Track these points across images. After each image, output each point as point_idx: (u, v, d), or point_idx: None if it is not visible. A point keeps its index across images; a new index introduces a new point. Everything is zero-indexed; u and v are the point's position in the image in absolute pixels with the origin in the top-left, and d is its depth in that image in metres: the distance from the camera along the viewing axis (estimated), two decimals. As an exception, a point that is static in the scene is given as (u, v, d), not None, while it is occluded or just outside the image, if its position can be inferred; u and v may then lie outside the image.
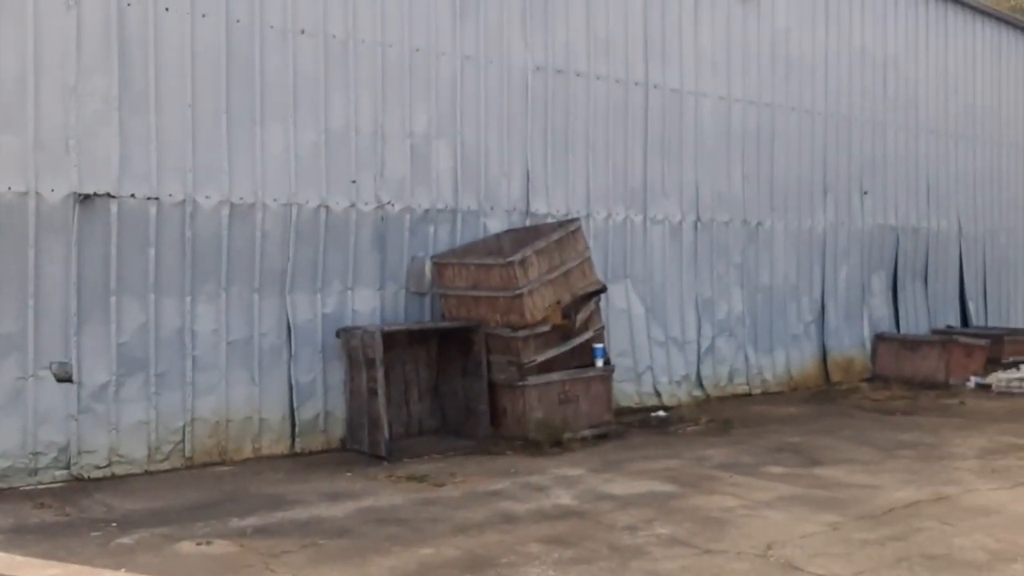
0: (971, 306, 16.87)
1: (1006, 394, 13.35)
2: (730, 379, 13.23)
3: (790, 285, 14.14)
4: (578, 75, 11.67)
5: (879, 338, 15.02)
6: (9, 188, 7.99)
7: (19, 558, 6.06)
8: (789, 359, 14.03)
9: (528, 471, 8.55)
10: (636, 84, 12.26)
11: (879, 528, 6.64)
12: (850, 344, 14.91)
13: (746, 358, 13.46)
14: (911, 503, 7.33)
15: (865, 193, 15.18)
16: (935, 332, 15.58)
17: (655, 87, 12.45)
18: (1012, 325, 17.31)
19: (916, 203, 16.05)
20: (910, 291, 15.97)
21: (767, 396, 13.35)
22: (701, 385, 12.84)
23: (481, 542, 6.39)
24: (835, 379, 14.44)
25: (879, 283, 15.50)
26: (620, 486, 7.97)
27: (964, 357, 14.24)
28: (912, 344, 14.70)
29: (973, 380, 13.98)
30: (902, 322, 15.71)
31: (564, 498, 7.61)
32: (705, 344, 12.96)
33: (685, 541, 6.38)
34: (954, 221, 16.69)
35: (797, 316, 14.22)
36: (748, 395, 13.31)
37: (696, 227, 12.96)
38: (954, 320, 16.58)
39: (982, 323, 16.96)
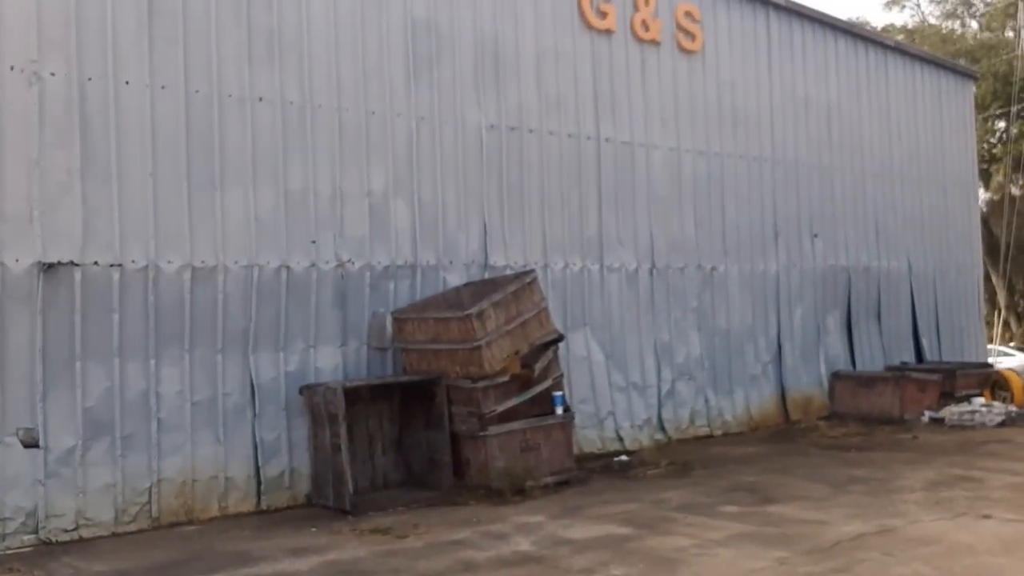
0: (924, 342, 17.34)
1: (958, 427, 13.73)
2: (691, 421, 13.53)
3: (746, 327, 14.52)
4: (531, 131, 12.10)
5: (836, 376, 15.41)
6: (-26, 259, 8.21)
7: (-15, 624, 6.18)
8: (748, 399, 14.36)
9: (490, 520, 8.74)
10: (588, 138, 12.70)
11: (824, 561, 6.90)
12: (808, 383, 15.27)
13: (706, 400, 13.77)
14: (857, 536, 7.60)
15: (815, 236, 15.67)
16: (890, 368, 15.98)
17: (607, 140, 12.90)
18: (966, 359, 17.78)
19: (866, 244, 16.56)
20: (864, 329, 16.41)
21: (728, 437, 13.63)
22: (663, 428, 13.11)
23: (441, 590, 6.58)
24: (794, 417, 14.77)
25: (834, 322, 15.92)
26: (578, 531, 8.19)
27: (918, 392, 14.63)
28: (867, 381, 15.09)
29: (927, 415, 14.35)
30: (858, 359, 16.12)
31: (523, 544, 7.81)
32: (665, 388, 13.27)
33: (637, 581, 6.60)
34: (904, 260, 17.22)
35: (755, 357, 14.58)
36: (709, 436, 13.59)
37: (652, 274, 13.34)
38: (909, 356, 17.02)
39: (936, 358, 17.41)
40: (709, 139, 14.21)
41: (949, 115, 18.58)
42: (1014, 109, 26.96)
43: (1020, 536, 7.39)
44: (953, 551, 7.04)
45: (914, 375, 14.93)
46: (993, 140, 34.17)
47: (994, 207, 33.05)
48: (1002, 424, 13.64)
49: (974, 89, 20.18)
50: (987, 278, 26.88)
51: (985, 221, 30.86)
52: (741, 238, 14.55)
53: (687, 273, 13.78)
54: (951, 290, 18.23)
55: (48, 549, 8.18)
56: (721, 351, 14.11)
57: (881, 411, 14.53)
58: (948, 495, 9.05)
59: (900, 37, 33.93)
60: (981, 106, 30.83)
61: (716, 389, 13.96)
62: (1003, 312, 31.37)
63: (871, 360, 16.33)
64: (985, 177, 32.49)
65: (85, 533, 8.53)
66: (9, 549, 8.12)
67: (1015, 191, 32.23)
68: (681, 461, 11.35)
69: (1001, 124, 33.52)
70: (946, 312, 18.02)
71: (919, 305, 17.39)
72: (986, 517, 8.08)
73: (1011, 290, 32.71)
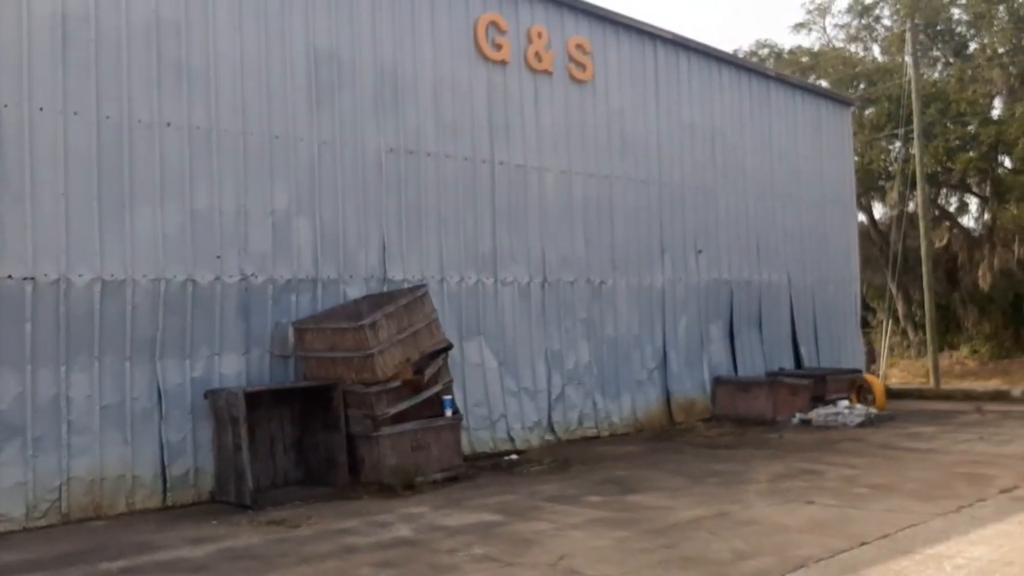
0: (803, 350, 18.74)
1: (823, 427, 15.06)
2: (579, 423, 14.59)
3: (633, 336, 15.66)
4: (428, 155, 13.04)
5: (717, 381, 16.65)
6: None
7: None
8: (635, 403, 15.49)
9: (378, 511, 9.62)
10: (483, 161, 13.70)
11: (657, 539, 7.95)
12: (692, 387, 16.49)
13: (594, 404, 14.85)
14: (694, 519, 8.69)
15: (700, 252, 16.91)
16: (769, 374, 17.30)
17: (500, 163, 13.91)
18: (843, 366, 19.23)
19: (748, 259, 17.89)
20: (746, 338, 17.72)
21: (614, 437, 14.73)
22: (552, 430, 14.14)
23: (319, 569, 7.44)
24: (678, 420, 15.96)
25: (717, 331, 17.18)
26: (455, 519, 9.12)
27: (790, 396, 15.94)
28: (745, 386, 16.36)
29: (797, 416, 15.66)
30: (739, 366, 17.41)
31: (403, 531, 8.70)
32: (555, 392, 14.31)
33: (494, 558, 7.56)
34: (784, 274, 18.61)
35: (641, 364, 15.73)
36: (597, 437, 14.66)
37: (543, 287, 14.38)
38: (788, 363, 18.39)
39: (815, 364, 18.83)
40: (599, 162, 15.33)
41: (828, 139, 20.10)
42: (902, 130, 28.73)
43: (831, 518, 8.56)
44: (770, 530, 8.16)
45: (787, 380, 16.25)
46: (888, 159, 36.22)
47: (892, 222, 35.05)
48: (861, 425, 15.01)
49: (851, 115, 21.73)
50: (887, 289, 28.69)
51: (884, 235, 32.75)
52: (629, 254, 15.70)
53: (577, 286, 14.86)
54: (829, 302, 19.70)
55: (-40, 543, 8.79)
56: (609, 358, 15.21)
57: (757, 413, 15.79)
58: (787, 485, 10.23)
59: (805, 59, 35.80)
60: (876, 127, 32.79)
61: (604, 393, 15.04)
62: (902, 322, 33.22)
63: (752, 366, 17.64)
64: (882, 193, 34.50)
65: (-3, 528, 9.16)
66: (-78, 544, 8.71)
67: (912, 207, 34.29)
68: (563, 459, 12.38)
69: (897, 144, 35.60)
70: (824, 322, 19.48)
71: (798, 316, 18.80)
72: (810, 503, 9.25)
73: (908, 300, 34.65)
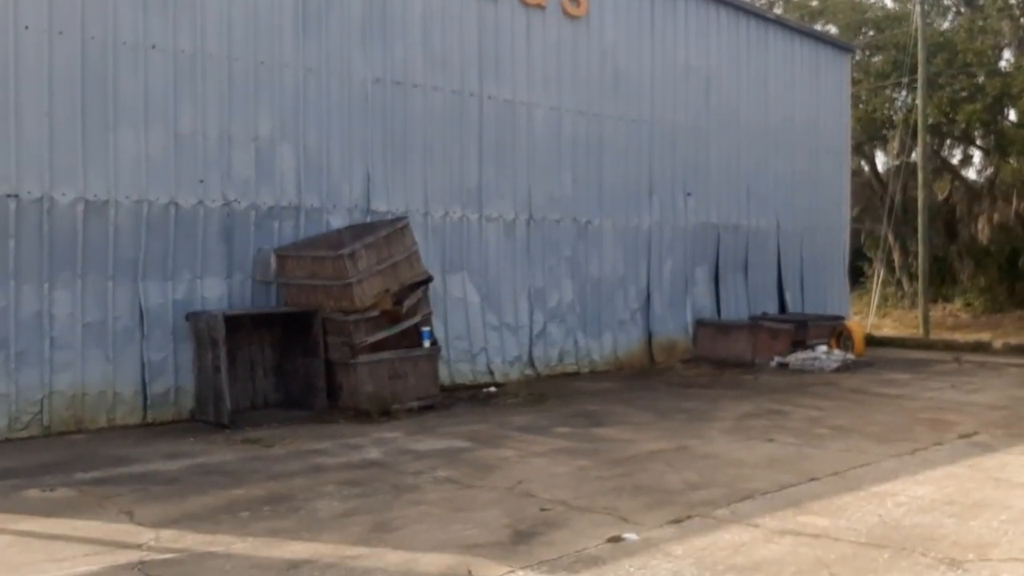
0: (788, 295, 18.90)
1: (799, 371, 15.30)
2: (560, 360, 14.82)
3: (618, 276, 15.81)
4: (415, 86, 13.04)
5: (699, 323, 16.85)
6: None
7: None
8: (616, 342, 15.71)
9: (352, 435, 9.87)
10: (471, 95, 13.70)
11: (615, 468, 8.20)
12: (674, 329, 16.69)
13: (575, 341, 15.07)
14: (654, 452, 8.94)
15: (688, 195, 16.97)
16: (751, 318, 17.48)
17: (489, 98, 13.91)
18: (829, 312, 19.40)
19: (737, 203, 17.95)
20: (731, 282, 17.86)
21: (594, 375, 14.98)
22: (532, 365, 14.38)
23: (287, 485, 7.69)
24: (659, 360, 16.19)
25: (702, 275, 17.33)
26: (425, 444, 9.38)
27: (770, 340, 16.16)
28: (726, 328, 16.57)
29: (776, 360, 15.89)
30: (723, 310, 17.59)
31: (373, 453, 8.97)
32: (537, 329, 14.51)
33: (456, 480, 7.81)
34: (772, 220, 18.67)
35: (624, 304, 15.90)
36: (576, 374, 14.91)
37: (529, 224, 14.48)
38: (772, 308, 18.56)
39: (799, 310, 19.00)
40: (590, 100, 15.31)
41: (826, 86, 19.99)
42: (907, 79, 28.47)
43: (787, 455, 8.80)
44: (725, 464, 8.40)
45: (767, 324, 16.45)
46: (892, 108, 35.94)
47: (892, 171, 34.86)
48: (837, 370, 15.24)
49: (852, 62, 21.57)
50: (885, 239, 28.75)
51: (886, 185, 32.64)
52: (617, 194, 15.76)
53: (563, 225, 14.97)
54: (817, 249, 19.80)
55: (-56, 451, 9.07)
56: (592, 297, 15.38)
57: (736, 356, 16.03)
58: (752, 424, 10.47)
59: (814, 3, 35.28)
60: (882, 75, 32.47)
61: (586, 331, 15.25)
62: (897, 272, 33.30)
63: (736, 310, 17.82)
64: (884, 142, 34.32)
65: (-21, 438, 9.44)
66: (-92, 450, 8.99)
67: (915, 157, 34.10)
68: (539, 393, 12.63)
69: (901, 93, 35.26)
70: (811, 269, 19.61)
71: (785, 262, 18.91)
72: (770, 440, 9.49)
73: (905, 251, 34.67)
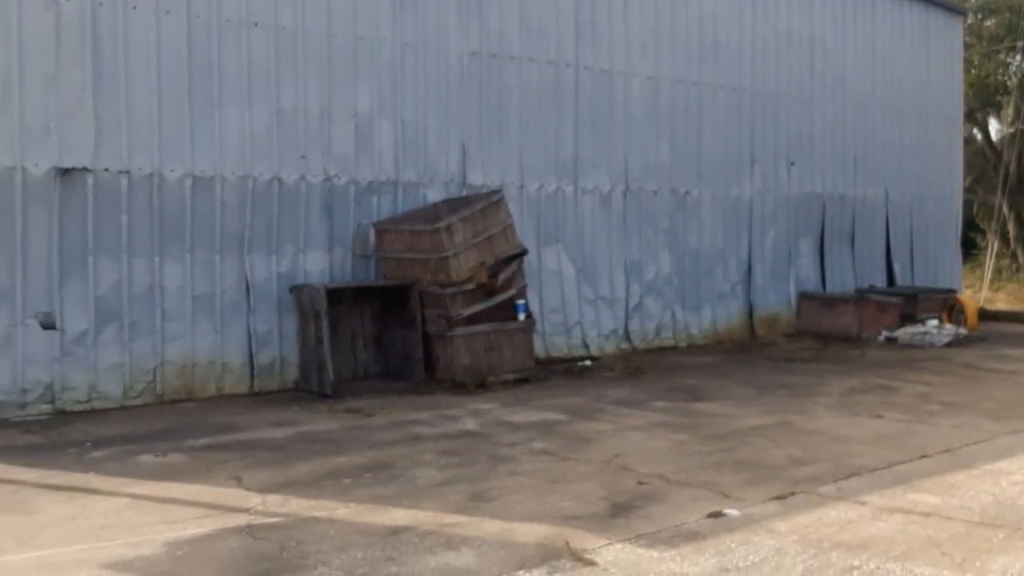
0: (896, 267, 18.23)
1: (909, 346, 14.76)
2: (657, 333, 14.65)
3: (717, 248, 15.51)
4: (511, 58, 12.98)
5: (802, 296, 16.41)
6: (-1, 164, 9.40)
7: (4, 466, 7.49)
8: (715, 316, 15.43)
9: (449, 406, 9.98)
10: (567, 66, 13.56)
11: (715, 443, 8.07)
12: (776, 302, 16.29)
13: (673, 315, 14.86)
14: (756, 427, 8.75)
15: (792, 164, 16.49)
16: (858, 291, 16.93)
17: (585, 68, 13.75)
18: (940, 285, 18.65)
19: (843, 172, 17.36)
20: (836, 254, 17.33)
21: (692, 349, 14.76)
22: (628, 339, 14.25)
23: (387, 453, 7.83)
24: (760, 334, 15.85)
25: (806, 246, 16.85)
26: (520, 416, 9.41)
27: (877, 313, 15.62)
28: (831, 301, 16.09)
29: (884, 334, 15.36)
30: (828, 282, 17.09)
31: (469, 424, 9.04)
32: (633, 302, 14.36)
33: (551, 452, 7.81)
34: (881, 189, 18.00)
35: (724, 276, 15.60)
36: (674, 348, 14.72)
37: (625, 196, 14.31)
38: (880, 280, 17.94)
39: (908, 283, 18.32)
40: (689, 68, 14.98)
41: (936, 50, 19.09)
42: (1021, 43, 26.97)
43: (895, 431, 8.50)
44: (830, 440, 8.17)
45: (875, 297, 15.90)
46: (1007, 73, 34.13)
47: (1006, 139, 33.17)
48: (948, 344, 14.64)
49: (963, 25, 20.54)
50: (999, 210, 27.46)
51: (999, 153, 31.12)
52: (716, 164, 15.43)
53: (660, 196, 14.74)
54: (928, 219, 19.02)
55: (63, 417, 9.50)
56: (691, 270, 15.13)
57: (841, 329, 15.56)
58: (858, 400, 10.16)
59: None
60: (996, 39, 30.84)
61: (684, 305, 15.02)
62: (1012, 244, 31.78)
63: (842, 283, 17.28)
64: (998, 109, 32.65)
65: (96, 405, 9.86)
66: (29, 416, 9.45)
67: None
68: (636, 366, 12.51)
69: (1017, 58, 33.44)
70: (921, 240, 18.86)
71: (894, 232, 18.23)
72: (878, 417, 9.19)
73: (1020, 222, 33.02)
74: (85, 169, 9.82)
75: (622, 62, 14.15)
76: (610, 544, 5.44)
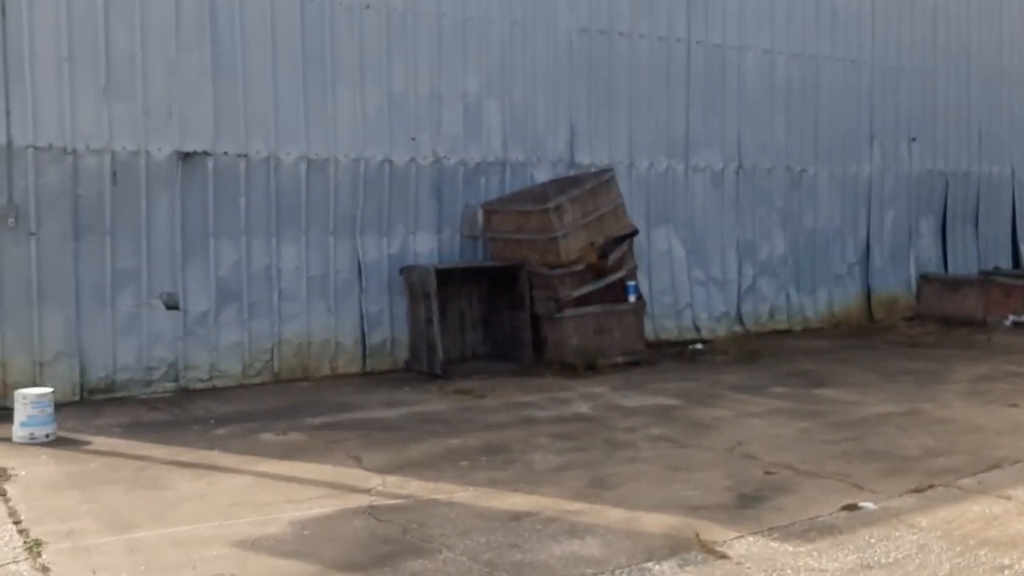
0: (1023, 248, 17.26)
1: (1039, 331, 13.97)
2: (771, 316, 14.22)
3: (834, 228, 14.95)
4: (621, 35, 12.71)
5: (923, 278, 15.69)
6: (124, 147, 9.65)
7: (135, 442, 7.73)
8: (832, 298, 14.90)
9: (559, 388, 9.88)
10: (678, 41, 13.21)
11: (841, 431, 7.75)
12: (895, 284, 15.64)
13: (787, 297, 14.41)
14: (883, 415, 8.38)
15: (913, 140, 15.76)
16: (982, 273, 16.10)
17: (697, 43, 13.37)
18: (1072, 268, 17.59)
19: (967, 149, 16.50)
20: (959, 234, 16.51)
21: (807, 332, 14.28)
22: (741, 321, 13.88)
23: (501, 436, 7.78)
24: (878, 317, 15.23)
25: (927, 226, 16.11)
26: (634, 400, 9.24)
27: (1003, 296, 14.82)
28: (953, 284, 15.35)
29: (1011, 318, 14.57)
30: (950, 263, 16.31)
31: (582, 408, 8.92)
32: (746, 283, 13.97)
33: (670, 439, 7.63)
34: (1007, 166, 17.06)
35: (841, 257, 15.04)
36: (788, 331, 14.26)
37: (738, 174, 13.91)
38: (1005, 262, 17.02)
39: (1036, 265, 17.33)
40: (805, 42, 14.43)
41: (1073, 16, 17.91)
42: None
43: (1036, 421, 8.02)
44: (963, 429, 7.76)
45: (1000, 279, 15.09)
46: None
47: None
48: (1084, 330, 13.80)
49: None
50: None
51: None
52: (834, 141, 14.84)
53: (775, 174, 14.27)
54: (1060, 198, 17.93)
55: (186, 395, 9.77)
56: (806, 250, 14.63)
57: (965, 313, 14.82)
58: (989, 387, 9.64)
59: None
60: None
61: (799, 286, 14.55)
62: None
63: (964, 264, 16.47)
64: None
65: (217, 383, 10.11)
66: (155, 393, 9.75)
67: None
68: (750, 350, 12.15)
69: None
70: (1052, 220, 17.80)
71: (1020, 211, 17.27)
72: (1013, 406, 8.69)
73: None
74: (205, 153, 10.03)
75: (735, 36, 13.71)
76: (742, 537, 5.25)
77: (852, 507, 5.76)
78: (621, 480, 6.43)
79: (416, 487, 6.33)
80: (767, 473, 6.53)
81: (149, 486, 6.46)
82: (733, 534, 5.29)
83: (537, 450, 7.30)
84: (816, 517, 5.58)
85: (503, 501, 5.99)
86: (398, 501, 6.04)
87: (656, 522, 5.53)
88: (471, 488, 6.29)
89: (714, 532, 5.32)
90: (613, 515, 5.67)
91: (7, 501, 6.10)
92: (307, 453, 7.30)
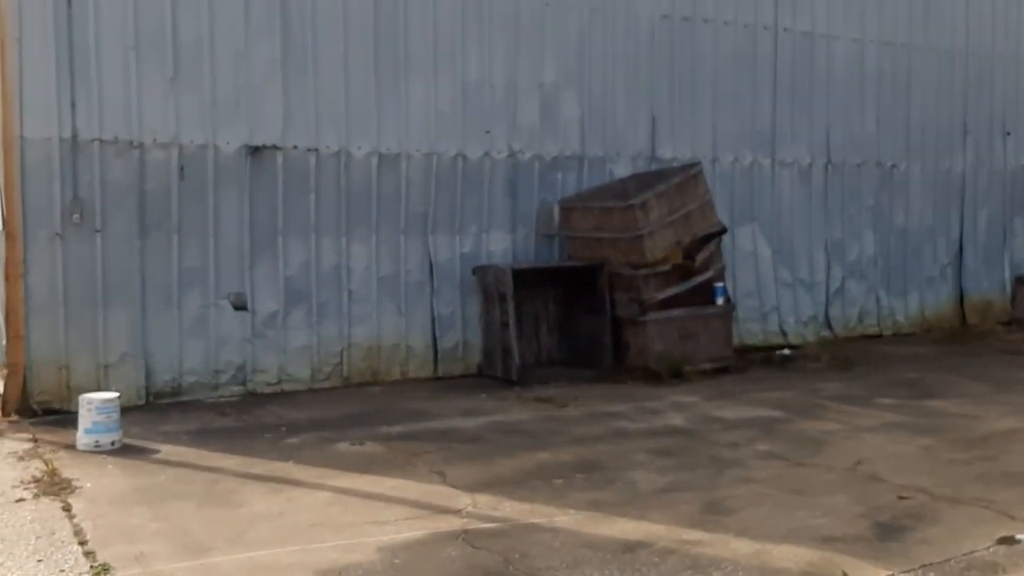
0: None
1: None
2: (860, 320, 13.42)
3: (926, 227, 14.10)
4: (705, 22, 12.03)
5: (1019, 281, 14.73)
6: (191, 141, 9.24)
7: (204, 451, 7.28)
8: (923, 301, 14.04)
9: (646, 397, 9.26)
10: (765, 28, 12.49)
11: (969, 450, 7.02)
12: (989, 287, 14.72)
13: (877, 300, 13.60)
14: (1010, 431, 7.63)
15: (1008, 134, 14.82)
16: (1084, 276, 15.10)
17: (785, 31, 12.63)
18: None
19: (1067, 143, 15.48)
20: (1057, 234, 15.51)
21: (898, 337, 13.45)
22: (829, 326, 13.10)
23: (593, 451, 7.18)
24: (971, 321, 14.32)
25: (1022, 226, 15.15)
26: (730, 411, 8.58)
27: (1110, 301, 13.85)
28: (1054, 287, 14.39)
29: (1118, 324, 13.61)
30: (1048, 266, 15.32)
31: (675, 419, 8.29)
32: (834, 285, 13.19)
33: (781, 456, 6.97)
34: (1111, 161, 15.99)
35: (933, 258, 14.18)
36: (879, 336, 13.45)
37: (827, 170, 13.13)
38: (1109, 264, 15.96)
39: None
40: (897, 30, 13.59)
41: None
42: None
43: None
44: (1112, 450, 6.98)
45: (1108, 283, 14.10)
46: None
47: None
48: None
49: None
50: None
51: None
52: (926, 135, 13.98)
53: (864, 170, 13.46)
54: None
55: (254, 399, 9.33)
56: (896, 250, 13.80)
57: (1067, 319, 13.88)
58: (1122, 401, 8.80)
59: None
60: None
61: (889, 289, 13.72)
62: None
63: (1063, 267, 15.47)
64: None
65: (286, 387, 9.66)
66: (222, 397, 9.33)
67: None
68: (843, 357, 11.40)
69: None
70: None
71: (1125, 210, 16.18)
72: None
73: None
74: (275, 147, 9.59)
75: (824, 24, 12.94)
76: (894, 576, 4.60)
77: (1009, 540, 5.08)
78: (738, 504, 5.80)
79: (510, 509, 5.76)
80: (900, 498, 5.85)
81: (222, 502, 5.99)
82: (883, 572, 4.64)
83: (636, 467, 6.70)
84: (972, 552, 4.90)
85: (610, 527, 5.40)
86: (493, 525, 5.48)
87: (790, 556, 4.89)
88: (572, 511, 5.70)
89: (860, 569, 4.67)
90: (739, 547, 5.04)
91: (72, 518, 5.67)
92: (387, 467, 6.77)
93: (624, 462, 6.83)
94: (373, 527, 5.45)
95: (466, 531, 5.36)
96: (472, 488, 6.19)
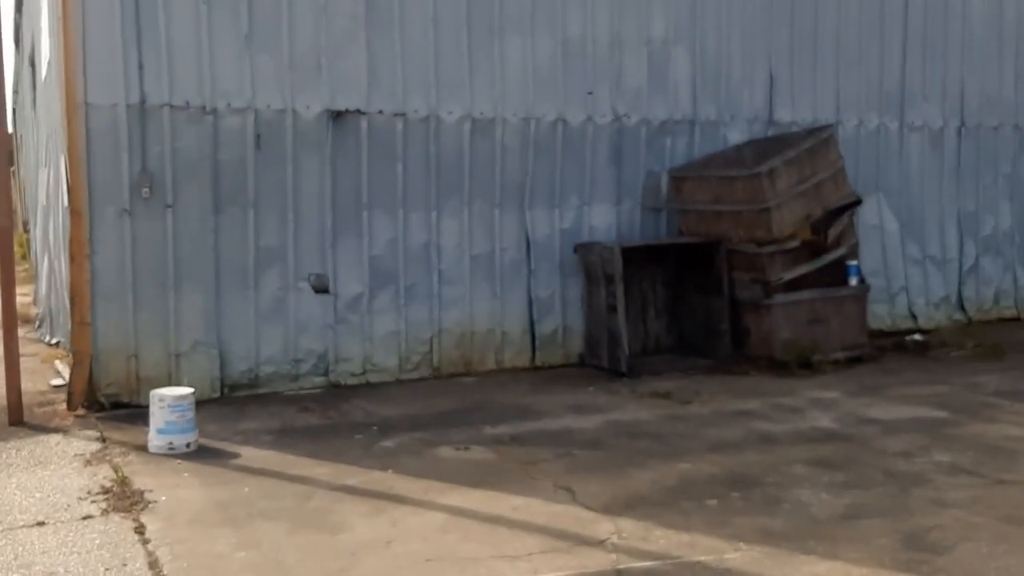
0: None
1: None
2: (996, 301, 12.06)
3: (1068, 198, 12.63)
4: (830, -30, 10.75)
5: None
6: (268, 106, 8.33)
7: (289, 456, 6.40)
8: (1064, 281, 12.61)
9: (777, 392, 8.16)
10: (895, -24, 11.14)
11: None
12: None
13: (1015, 279, 12.22)
14: None
15: None
16: None
17: (916, -21, 11.28)
18: None
19: None
20: None
21: (1037, 321, 12.09)
22: (962, 308, 11.78)
23: (740, 460, 6.12)
24: (1116, 305, 12.84)
25: None
26: (882, 411, 7.43)
27: None
28: None
29: None
30: None
31: (822, 421, 7.18)
32: (968, 263, 11.85)
33: (968, 470, 5.83)
34: None
35: (1075, 233, 12.72)
36: (1016, 319, 12.08)
37: (960, 134, 11.76)
38: None
39: None
40: (1041, -26, 12.13)
41: None
42: None
43: None
44: None
45: None
46: None
47: None
48: None
49: None
50: None
51: None
52: (1070, 94, 12.50)
53: (1002, 133, 12.05)
54: None
55: (338, 391, 8.45)
56: (1035, 225, 12.40)
57: None
58: None
59: None
60: None
61: (1027, 267, 12.34)
62: None
63: None
64: None
65: (371, 378, 8.76)
66: (303, 389, 8.47)
67: None
68: (989, 343, 10.10)
69: None
70: None
71: None
72: None
73: None
74: (359, 111, 8.62)
75: (960, -30, 11.54)
76: None
77: None
78: (946, 538, 4.70)
79: (665, 541, 4.74)
80: None
81: (317, 524, 5.07)
82: None
83: (800, 484, 5.62)
84: None
85: (798, 570, 4.35)
86: (651, 563, 4.46)
87: (1050, 620, 3.79)
88: (742, 546, 4.66)
89: None
90: (976, 603, 3.96)
91: (146, 543, 4.81)
92: (502, 479, 5.80)
93: (782, 476, 5.76)
94: (503, 563, 4.48)
95: (619, 572, 4.36)
96: (610, 510, 5.18)
